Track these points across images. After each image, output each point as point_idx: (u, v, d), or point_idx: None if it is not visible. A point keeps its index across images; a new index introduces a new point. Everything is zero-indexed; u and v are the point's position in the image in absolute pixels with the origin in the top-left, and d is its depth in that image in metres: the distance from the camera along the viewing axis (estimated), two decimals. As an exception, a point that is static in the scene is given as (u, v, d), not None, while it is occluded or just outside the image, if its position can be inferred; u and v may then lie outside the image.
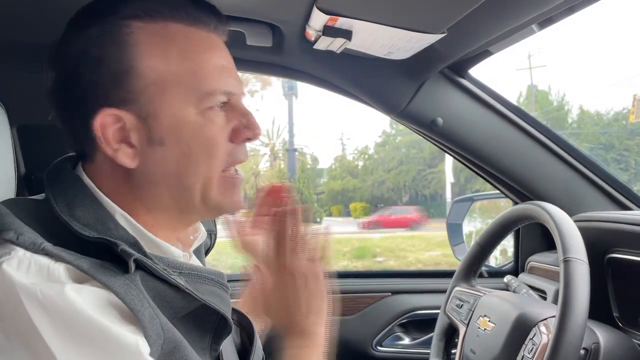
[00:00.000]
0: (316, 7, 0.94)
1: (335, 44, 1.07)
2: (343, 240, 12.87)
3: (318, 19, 0.98)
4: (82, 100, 0.64)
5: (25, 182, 1.24)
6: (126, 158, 0.64)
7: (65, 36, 0.66)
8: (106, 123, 0.63)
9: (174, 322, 0.62)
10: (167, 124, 0.64)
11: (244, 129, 0.69)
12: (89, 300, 0.55)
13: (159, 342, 0.58)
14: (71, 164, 0.70)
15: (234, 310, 0.87)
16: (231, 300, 0.73)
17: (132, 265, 0.58)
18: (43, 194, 0.67)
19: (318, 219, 19.15)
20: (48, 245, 0.57)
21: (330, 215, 21.34)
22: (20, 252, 0.57)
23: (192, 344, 0.64)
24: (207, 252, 0.89)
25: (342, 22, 0.98)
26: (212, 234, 0.89)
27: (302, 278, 0.75)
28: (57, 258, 0.57)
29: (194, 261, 0.78)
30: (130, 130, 0.64)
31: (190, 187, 0.67)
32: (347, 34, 1.02)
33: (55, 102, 0.68)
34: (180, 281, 0.63)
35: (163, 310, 0.61)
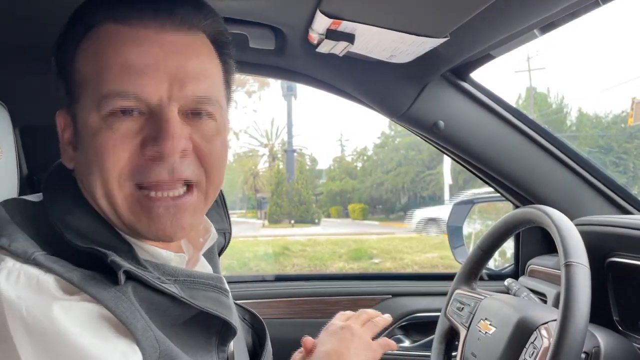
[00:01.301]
0: (319, 10, 0.94)
1: (338, 48, 1.08)
2: (340, 241, 12.85)
3: (321, 23, 0.98)
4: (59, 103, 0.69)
5: (28, 183, 1.24)
6: (66, 159, 0.68)
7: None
8: (61, 124, 0.67)
9: (175, 329, 0.62)
10: (79, 128, 0.64)
11: (153, 139, 0.60)
12: (77, 317, 0.54)
13: (154, 355, 0.57)
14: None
15: (247, 311, 0.87)
16: (232, 302, 0.72)
17: (122, 277, 0.57)
18: (40, 194, 0.68)
19: (316, 220, 19.15)
20: (39, 255, 0.56)
21: (328, 216, 21.33)
22: (10, 262, 0.56)
23: (198, 348, 0.64)
24: (221, 252, 0.88)
25: (345, 26, 0.98)
26: (226, 233, 0.88)
27: (353, 334, 0.85)
28: (46, 269, 0.56)
29: (201, 264, 0.77)
30: (71, 131, 0.66)
31: (98, 199, 0.63)
32: (350, 38, 1.02)
33: None
34: (174, 290, 0.61)
35: (160, 319, 0.60)
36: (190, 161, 0.63)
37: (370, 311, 0.93)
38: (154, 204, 0.62)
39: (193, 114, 0.64)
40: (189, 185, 0.64)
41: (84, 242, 0.59)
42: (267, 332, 0.87)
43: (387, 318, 0.92)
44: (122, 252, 0.61)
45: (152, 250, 0.66)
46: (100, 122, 0.60)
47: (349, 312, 0.95)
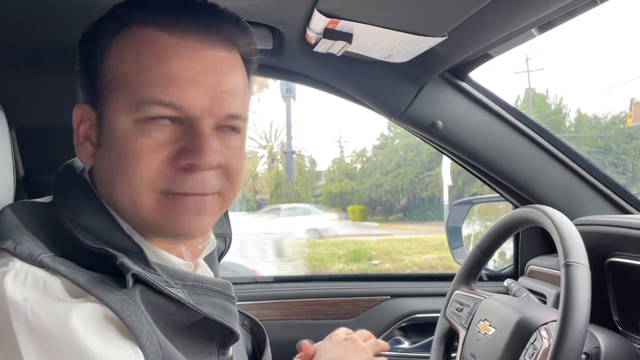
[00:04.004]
0: (317, 9, 0.94)
1: (336, 47, 1.07)
2: (339, 242, 12.85)
3: (319, 22, 0.98)
4: (77, 97, 0.68)
5: (24, 184, 1.23)
6: (83, 154, 0.66)
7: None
8: (79, 117, 0.66)
9: (179, 332, 0.62)
10: (106, 127, 0.63)
11: (186, 152, 0.61)
12: (82, 319, 0.54)
13: None
14: (80, 166, 0.70)
15: (246, 317, 0.87)
16: (237, 309, 0.72)
17: (130, 280, 0.57)
18: (50, 197, 0.67)
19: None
20: (45, 257, 0.56)
21: (328, 217, 21.32)
22: (17, 263, 0.56)
23: (199, 351, 0.64)
24: (221, 256, 0.87)
25: (342, 25, 0.98)
26: (226, 238, 0.88)
27: (357, 347, 0.85)
28: (53, 271, 0.56)
29: (203, 270, 0.76)
30: (93, 127, 0.65)
31: (121, 201, 0.63)
32: (347, 37, 1.02)
33: None
34: (181, 294, 0.61)
35: (165, 322, 0.60)
36: (219, 174, 0.65)
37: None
38: (179, 207, 0.63)
39: (225, 128, 0.65)
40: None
41: (94, 242, 0.59)
42: (267, 337, 0.87)
43: (385, 345, 0.94)
44: (133, 253, 0.61)
45: (164, 256, 0.66)
46: (133, 126, 0.60)
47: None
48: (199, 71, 0.62)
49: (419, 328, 1.63)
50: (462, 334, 1.15)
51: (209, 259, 0.80)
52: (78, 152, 0.66)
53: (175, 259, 0.67)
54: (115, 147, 0.61)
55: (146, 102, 0.60)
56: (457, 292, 1.24)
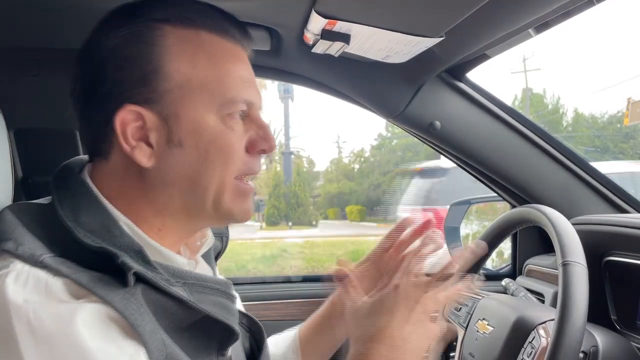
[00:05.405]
0: (314, 11, 0.94)
1: (334, 48, 1.07)
2: (337, 243, 12.87)
3: (316, 23, 0.98)
4: (106, 97, 0.65)
5: (23, 186, 1.23)
6: (143, 157, 0.65)
7: (95, 34, 0.67)
8: (127, 120, 0.64)
9: (180, 331, 0.62)
10: (187, 126, 0.65)
11: (260, 140, 0.71)
12: (85, 320, 0.54)
13: (161, 358, 0.57)
14: (78, 167, 0.70)
15: (245, 315, 0.87)
16: (237, 308, 0.72)
17: (132, 279, 0.57)
18: (49, 198, 0.67)
19: (314, 222, 19.15)
20: (47, 258, 0.56)
21: (326, 218, 21.35)
22: (19, 265, 0.56)
23: (198, 351, 0.64)
24: (218, 256, 0.88)
25: (340, 26, 0.98)
26: (223, 237, 0.88)
27: (405, 297, 0.73)
28: (55, 272, 0.56)
29: (202, 267, 0.77)
30: (150, 129, 0.65)
31: (204, 191, 0.67)
32: (345, 38, 1.02)
33: (77, 99, 0.68)
34: (183, 293, 0.62)
35: (166, 321, 0.60)
36: None
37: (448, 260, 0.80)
38: (247, 190, 0.71)
39: None
40: None
41: (95, 242, 0.59)
42: (265, 336, 0.87)
43: (479, 247, 0.82)
44: (133, 252, 0.61)
45: (167, 254, 0.67)
46: (221, 123, 0.67)
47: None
48: (251, 72, 0.72)
49: (418, 328, 1.63)
50: (460, 333, 1.15)
51: (206, 258, 0.81)
52: (134, 156, 0.64)
53: (179, 258, 0.68)
54: (205, 143, 0.66)
55: (234, 101, 0.67)
56: (455, 291, 1.24)
